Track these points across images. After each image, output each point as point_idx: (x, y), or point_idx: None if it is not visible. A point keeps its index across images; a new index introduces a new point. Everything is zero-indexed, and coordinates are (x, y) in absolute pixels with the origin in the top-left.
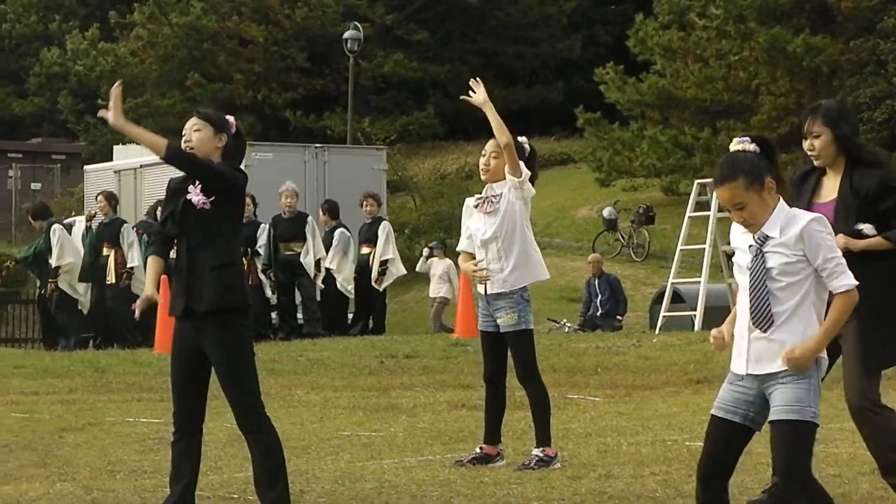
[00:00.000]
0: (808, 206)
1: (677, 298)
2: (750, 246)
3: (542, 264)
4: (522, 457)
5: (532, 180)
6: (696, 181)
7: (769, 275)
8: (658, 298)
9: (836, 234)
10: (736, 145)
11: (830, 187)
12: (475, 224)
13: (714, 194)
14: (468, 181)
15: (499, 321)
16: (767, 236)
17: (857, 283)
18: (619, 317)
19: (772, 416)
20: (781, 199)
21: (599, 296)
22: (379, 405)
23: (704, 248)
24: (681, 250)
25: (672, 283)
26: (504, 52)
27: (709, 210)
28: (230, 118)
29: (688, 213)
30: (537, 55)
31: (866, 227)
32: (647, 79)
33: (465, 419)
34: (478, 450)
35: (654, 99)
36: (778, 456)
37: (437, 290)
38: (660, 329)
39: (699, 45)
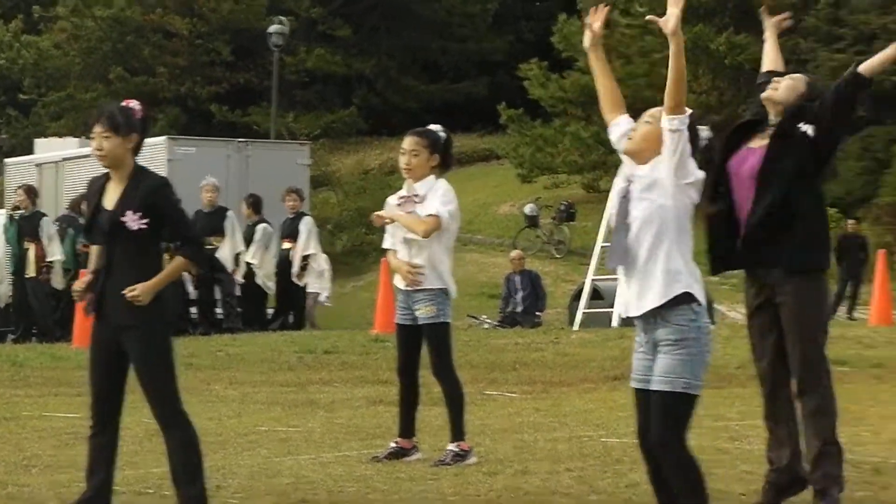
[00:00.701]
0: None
1: (596, 295)
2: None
3: (450, 278)
4: (439, 453)
5: (447, 168)
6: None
7: None
8: (577, 295)
9: None
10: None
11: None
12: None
13: None
14: (391, 176)
15: (417, 313)
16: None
17: None
18: (538, 313)
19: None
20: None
21: (520, 292)
22: (297, 401)
23: None
24: (601, 247)
25: (591, 280)
26: (429, 47)
27: None
28: (134, 104)
29: (609, 211)
30: (462, 51)
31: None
32: (571, 76)
33: (382, 415)
34: (393, 444)
35: (576, 96)
36: (652, 426)
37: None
38: (579, 325)
39: (623, 43)
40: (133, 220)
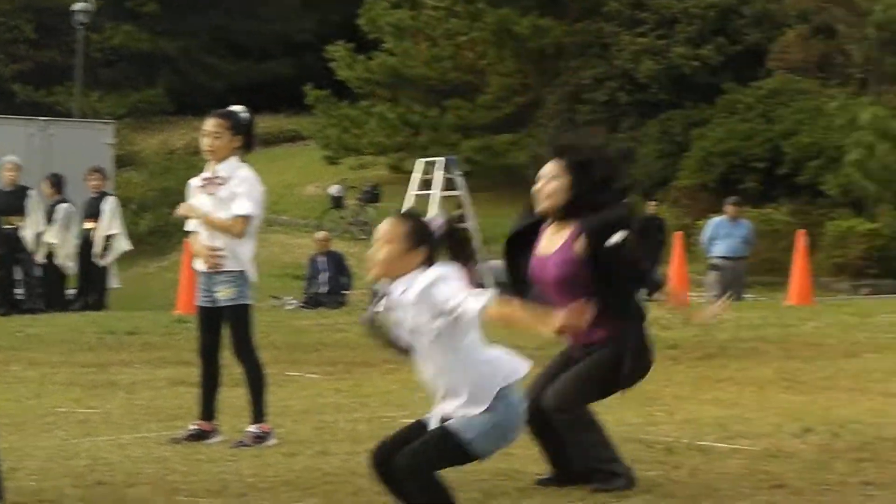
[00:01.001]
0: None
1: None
2: None
3: (251, 261)
4: (239, 434)
5: (249, 149)
6: (421, 159)
7: None
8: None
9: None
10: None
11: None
12: (199, 204)
13: (438, 173)
14: (196, 157)
15: (217, 295)
16: None
17: None
18: (345, 292)
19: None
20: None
21: (324, 273)
22: (97, 381)
23: None
24: None
25: None
26: (235, 27)
27: (433, 189)
28: None
29: (412, 192)
30: (268, 32)
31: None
32: (377, 57)
33: (184, 396)
34: (193, 426)
35: (383, 77)
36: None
37: None
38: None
39: (429, 25)
40: None
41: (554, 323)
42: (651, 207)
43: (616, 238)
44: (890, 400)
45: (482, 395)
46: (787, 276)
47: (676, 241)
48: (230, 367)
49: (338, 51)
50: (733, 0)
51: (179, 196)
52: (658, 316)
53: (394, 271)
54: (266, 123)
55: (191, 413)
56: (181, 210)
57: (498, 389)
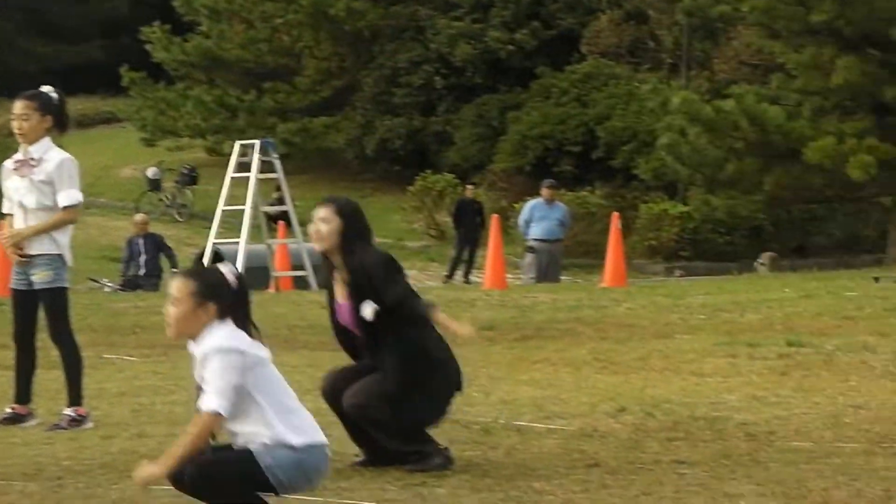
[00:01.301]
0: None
1: (218, 259)
2: None
3: (67, 245)
4: (55, 417)
5: (63, 129)
6: (238, 142)
7: None
8: (199, 258)
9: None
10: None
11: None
12: (13, 186)
13: (255, 155)
14: (11, 139)
15: (33, 278)
16: None
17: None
18: (175, 270)
19: None
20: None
21: (143, 255)
22: None
23: (245, 209)
24: (222, 211)
25: (213, 244)
26: (48, 10)
27: (250, 171)
28: None
29: (229, 174)
30: (82, 13)
31: (367, 310)
32: (193, 39)
33: None
34: (9, 410)
35: (199, 59)
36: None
37: None
38: None
39: (244, 7)
40: None
41: None
42: (469, 191)
43: (367, 311)
44: (702, 380)
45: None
46: (603, 259)
47: (493, 223)
48: (46, 349)
49: (154, 32)
50: None
51: None
52: (475, 297)
53: (187, 330)
54: (82, 105)
55: (5, 396)
56: (7, 242)
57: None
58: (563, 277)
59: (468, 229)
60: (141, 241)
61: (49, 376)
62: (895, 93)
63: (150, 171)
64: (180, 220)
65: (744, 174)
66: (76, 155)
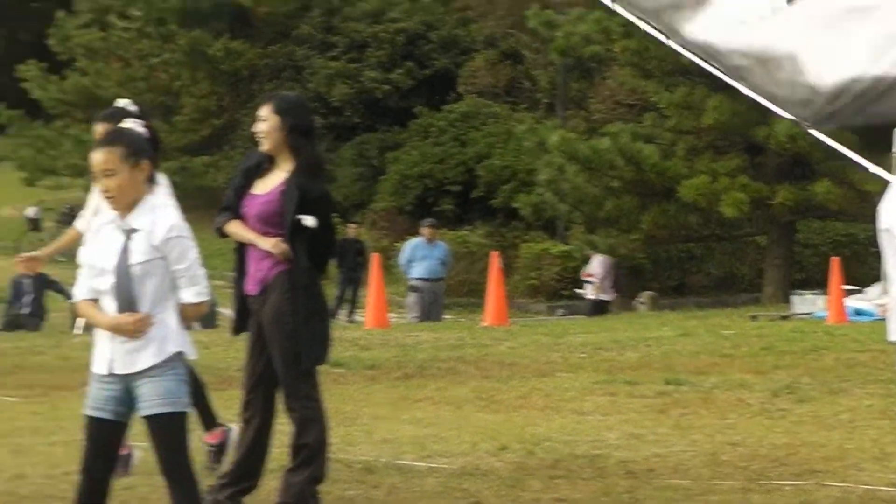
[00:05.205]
0: (248, 197)
1: None
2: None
3: None
4: None
5: None
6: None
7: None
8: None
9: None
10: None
11: (277, 178)
12: None
13: None
14: None
15: None
16: (134, 229)
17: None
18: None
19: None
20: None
21: (30, 294)
22: None
23: None
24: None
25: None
26: None
27: None
28: None
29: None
30: None
31: (308, 219)
32: (70, 77)
33: None
34: None
35: (77, 98)
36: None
37: None
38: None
39: (121, 46)
40: None
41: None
42: (352, 230)
43: (308, 221)
44: (582, 418)
45: None
46: (484, 298)
47: (374, 262)
48: None
49: (30, 70)
50: (421, 26)
51: None
52: (357, 336)
53: (130, 197)
54: None
55: None
56: None
57: None
58: (445, 316)
59: (351, 268)
60: (27, 281)
61: None
62: (766, 132)
63: (31, 211)
64: (62, 259)
65: (622, 212)
66: None
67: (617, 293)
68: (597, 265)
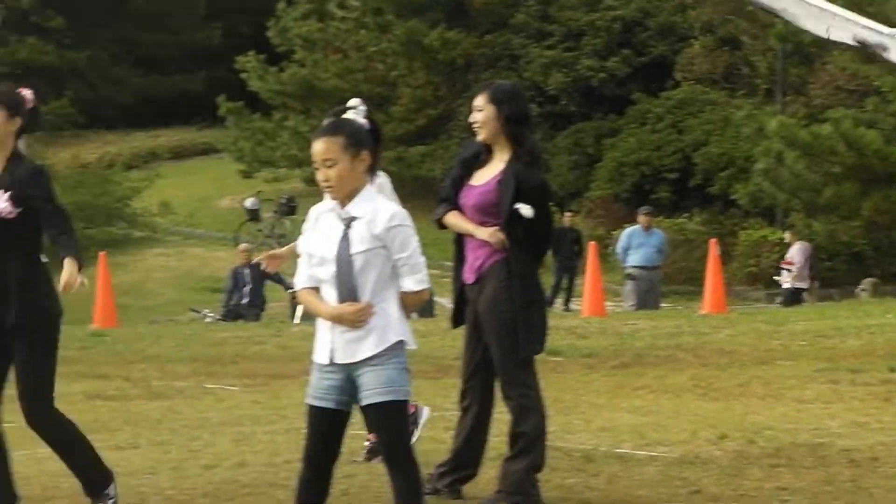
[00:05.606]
0: (466, 188)
1: None
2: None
3: None
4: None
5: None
6: None
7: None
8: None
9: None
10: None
11: (494, 168)
12: None
13: None
14: (109, 170)
15: None
16: (354, 217)
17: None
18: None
19: (364, 400)
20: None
21: (248, 285)
22: (12, 396)
23: None
24: None
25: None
26: (143, 40)
27: None
28: (26, 93)
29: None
30: (176, 43)
31: (525, 208)
32: (288, 68)
33: (99, 409)
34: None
35: (294, 89)
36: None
37: None
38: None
39: (338, 37)
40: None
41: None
42: (567, 219)
43: (525, 211)
44: (803, 406)
45: None
46: (702, 286)
47: (591, 251)
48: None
49: (249, 62)
50: (637, 13)
51: (93, 210)
52: (575, 325)
53: (350, 186)
54: (178, 136)
55: (106, 426)
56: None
57: None
58: (662, 304)
59: (567, 257)
60: (246, 272)
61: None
62: None
63: (249, 202)
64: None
65: (842, 199)
66: (175, 186)
67: (813, 281)
68: (796, 253)
